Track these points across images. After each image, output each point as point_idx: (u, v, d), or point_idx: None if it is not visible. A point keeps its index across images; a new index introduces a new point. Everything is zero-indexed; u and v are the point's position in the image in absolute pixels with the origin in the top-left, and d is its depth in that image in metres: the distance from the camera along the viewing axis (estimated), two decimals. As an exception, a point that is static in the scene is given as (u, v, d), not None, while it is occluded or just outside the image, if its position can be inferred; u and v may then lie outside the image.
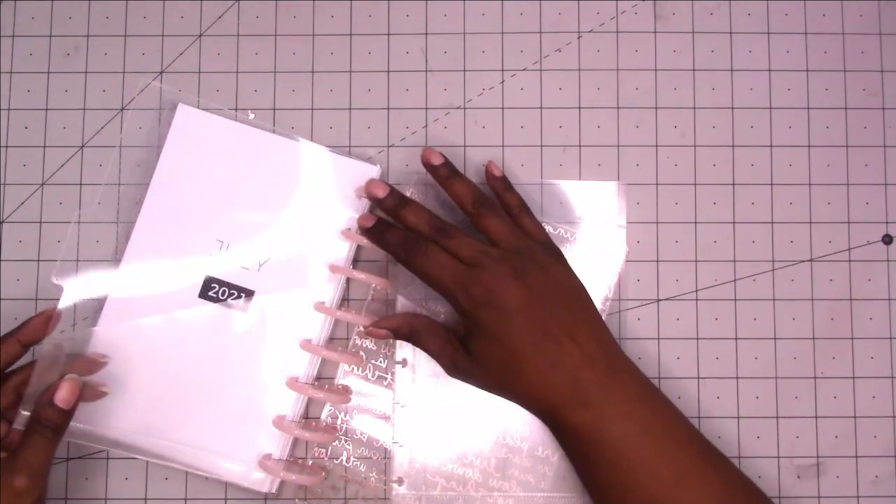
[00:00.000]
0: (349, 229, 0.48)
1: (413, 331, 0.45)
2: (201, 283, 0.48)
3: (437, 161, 0.45)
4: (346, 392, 0.47)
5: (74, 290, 0.48)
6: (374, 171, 0.48)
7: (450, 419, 0.48)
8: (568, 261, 0.45)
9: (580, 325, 0.42)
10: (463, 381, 0.44)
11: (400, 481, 0.47)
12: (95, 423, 0.46)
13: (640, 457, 0.40)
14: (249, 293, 0.48)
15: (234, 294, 0.48)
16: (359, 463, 0.47)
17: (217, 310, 0.47)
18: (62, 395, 0.40)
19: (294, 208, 0.48)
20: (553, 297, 0.42)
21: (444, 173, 0.45)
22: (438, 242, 0.43)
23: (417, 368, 0.48)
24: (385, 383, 0.48)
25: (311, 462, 0.47)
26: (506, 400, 0.44)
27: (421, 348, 0.45)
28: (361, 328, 0.48)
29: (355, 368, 0.48)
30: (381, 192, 0.45)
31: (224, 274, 0.48)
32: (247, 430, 0.46)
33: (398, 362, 0.48)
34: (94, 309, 0.48)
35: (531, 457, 0.47)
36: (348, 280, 0.48)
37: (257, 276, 0.48)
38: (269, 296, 0.48)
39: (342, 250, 0.48)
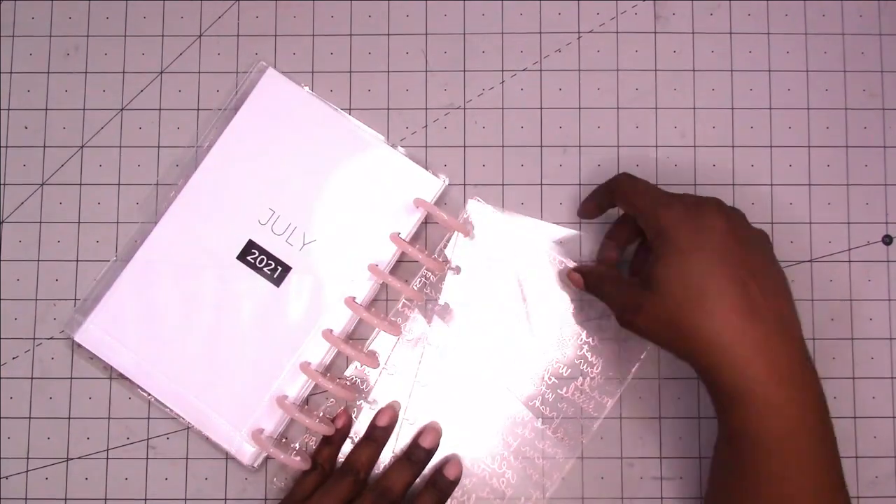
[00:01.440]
0: (398, 234, 0.47)
1: (596, 278, 0.44)
2: (243, 245, 0.48)
3: None
4: (351, 391, 0.47)
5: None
6: (438, 184, 0.48)
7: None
8: None
9: (786, 294, 0.39)
10: (633, 328, 0.41)
11: None
12: (113, 348, 0.47)
13: (803, 471, 0.37)
14: (287, 268, 0.47)
15: (271, 265, 0.47)
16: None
17: (250, 275, 0.47)
18: (429, 440, 0.46)
19: (352, 199, 0.48)
20: (757, 249, 0.39)
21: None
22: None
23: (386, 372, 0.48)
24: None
25: (299, 447, 0.47)
26: (671, 352, 0.40)
27: (598, 295, 0.44)
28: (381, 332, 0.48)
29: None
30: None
31: (267, 243, 0.48)
32: (248, 399, 0.46)
33: (384, 368, 0.48)
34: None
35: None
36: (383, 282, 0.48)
37: (298, 254, 0.47)
38: (305, 276, 0.47)
39: (386, 253, 0.47)
